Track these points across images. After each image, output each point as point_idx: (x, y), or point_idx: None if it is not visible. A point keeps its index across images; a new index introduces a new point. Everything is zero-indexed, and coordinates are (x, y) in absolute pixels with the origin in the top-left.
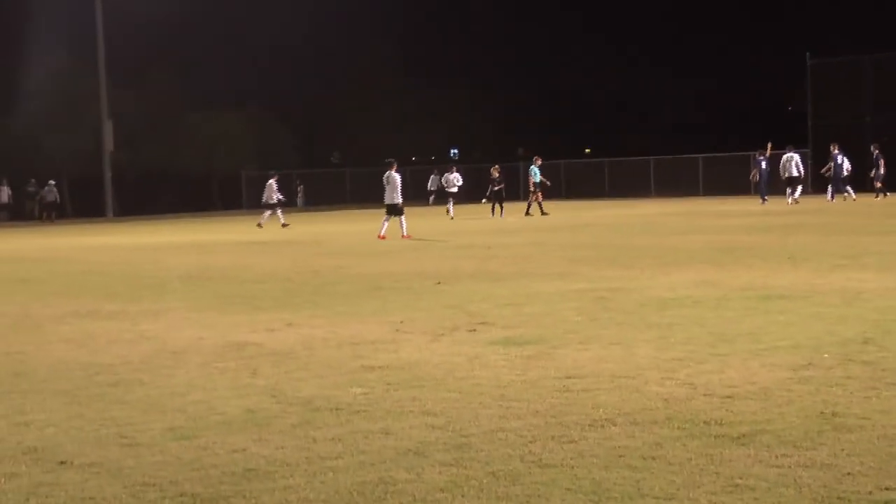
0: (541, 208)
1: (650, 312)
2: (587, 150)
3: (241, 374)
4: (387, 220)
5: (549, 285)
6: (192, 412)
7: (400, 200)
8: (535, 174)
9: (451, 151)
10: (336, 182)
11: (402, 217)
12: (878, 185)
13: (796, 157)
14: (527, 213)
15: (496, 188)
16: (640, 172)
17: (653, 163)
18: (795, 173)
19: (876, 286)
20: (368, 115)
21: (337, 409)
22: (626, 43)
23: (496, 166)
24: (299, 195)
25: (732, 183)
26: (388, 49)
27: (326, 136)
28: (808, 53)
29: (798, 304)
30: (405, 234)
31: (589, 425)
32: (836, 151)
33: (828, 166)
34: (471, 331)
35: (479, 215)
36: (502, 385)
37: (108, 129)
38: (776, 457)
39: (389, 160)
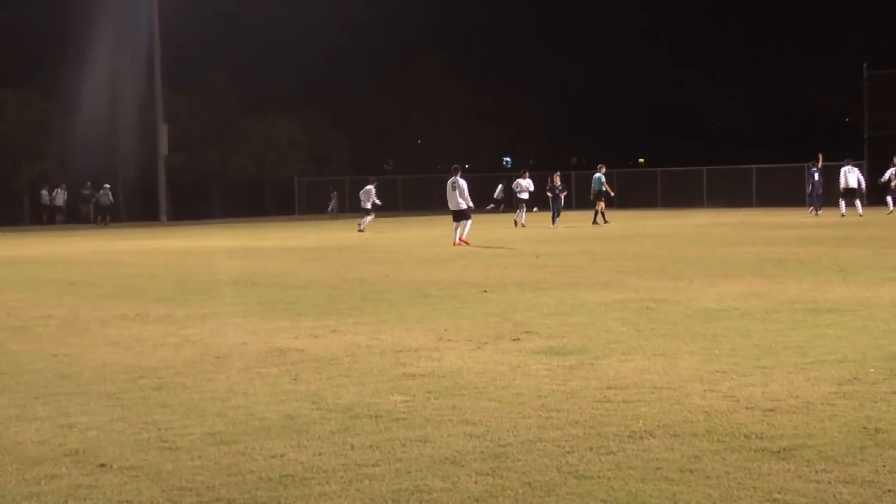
0: (603, 217)
1: (696, 324)
2: (641, 160)
3: (282, 380)
4: (457, 226)
5: (595, 295)
6: (232, 417)
7: (466, 205)
8: (600, 183)
9: (504, 160)
10: (387, 188)
11: (468, 223)
12: None
13: (856, 169)
14: (594, 222)
15: (559, 194)
16: (692, 182)
17: (706, 173)
18: (854, 185)
19: None
20: (422, 122)
21: (376, 417)
22: (682, 52)
23: (558, 173)
24: (332, 203)
25: (786, 194)
26: (444, 57)
27: (378, 143)
28: (865, 65)
29: (846, 317)
30: (459, 240)
31: (628, 437)
32: None
33: (889, 175)
34: (514, 340)
35: (534, 223)
36: (543, 395)
37: (163, 132)
38: (816, 472)
39: (455, 166)
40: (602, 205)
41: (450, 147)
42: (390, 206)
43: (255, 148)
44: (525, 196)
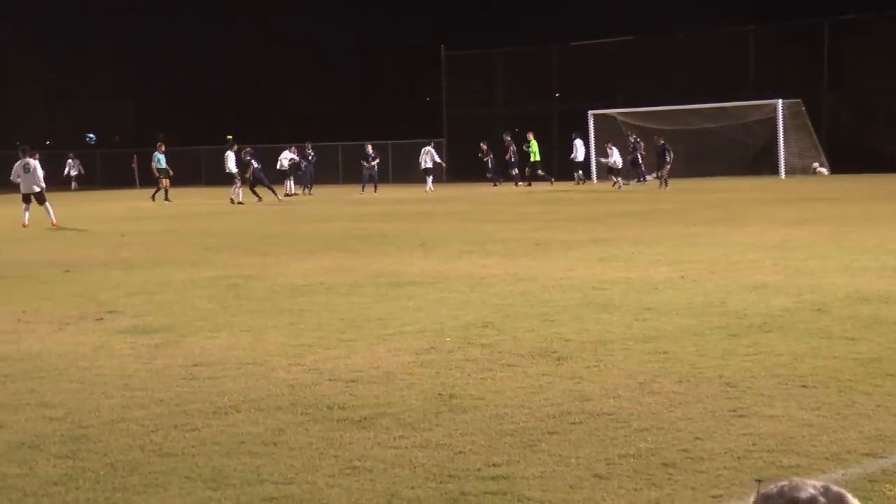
0: (166, 194)
1: (282, 299)
2: (229, 137)
3: None
4: (27, 208)
5: (181, 273)
6: None
7: (42, 187)
8: (160, 160)
9: (88, 136)
10: None
11: (48, 204)
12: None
13: (431, 148)
14: (152, 198)
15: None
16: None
17: (341, 149)
18: (431, 165)
19: (498, 272)
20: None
21: None
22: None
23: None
24: None
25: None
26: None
27: None
28: (442, 46)
29: (426, 289)
30: (55, 221)
31: (213, 413)
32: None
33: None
34: (98, 320)
35: (116, 199)
36: (127, 374)
37: None
38: (394, 438)
39: (24, 146)
40: (166, 182)
41: (27, 124)
42: None
43: None
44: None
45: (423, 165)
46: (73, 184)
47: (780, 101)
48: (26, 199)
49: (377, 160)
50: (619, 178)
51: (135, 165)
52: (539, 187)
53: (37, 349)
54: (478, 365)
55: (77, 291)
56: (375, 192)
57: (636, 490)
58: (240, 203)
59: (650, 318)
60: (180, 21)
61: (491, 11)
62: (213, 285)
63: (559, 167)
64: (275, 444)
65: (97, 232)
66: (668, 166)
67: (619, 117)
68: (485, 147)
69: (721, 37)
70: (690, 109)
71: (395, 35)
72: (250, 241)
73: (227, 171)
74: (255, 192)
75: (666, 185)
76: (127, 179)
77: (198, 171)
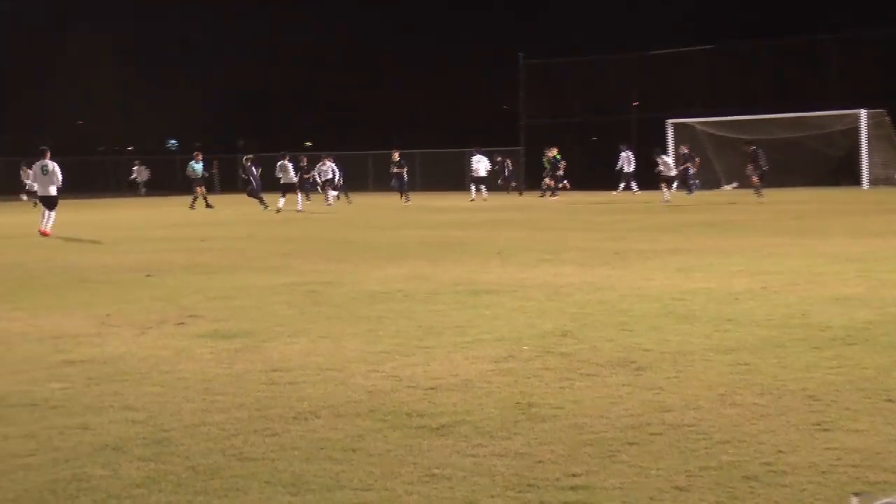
0: (206, 202)
1: (360, 306)
2: (308, 144)
3: None
4: (45, 213)
5: (261, 279)
6: None
7: (55, 192)
8: (196, 169)
9: (170, 142)
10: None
11: (53, 212)
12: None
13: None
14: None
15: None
16: (360, 166)
17: (371, 158)
18: (484, 173)
19: (576, 280)
20: (81, 102)
21: (33, 405)
22: (349, 39)
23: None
24: None
25: (447, 179)
26: (103, 35)
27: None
28: (521, 54)
29: (504, 298)
30: (45, 229)
31: (293, 418)
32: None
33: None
34: (179, 324)
35: (184, 207)
36: (208, 379)
37: None
38: (473, 447)
39: (43, 147)
40: (201, 190)
41: (110, 128)
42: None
43: None
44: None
45: (476, 174)
46: (142, 189)
47: (863, 111)
48: (44, 202)
49: (404, 168)
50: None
51: (215, 171)
52: (619, 197)
53: (120, 352)
54: (556, 374)
55: (158, 296)
56: (401, 199)
57: (718, 503)
58: (278, 210)
59: (731, 329)
60: (261, 28)
61: (570, 19)
62: (291, 291)
63: (641, 177)
64: (354, 450)
65: (177, 237)
66: (762, 171)
67: (698, 126)
68: (550, 155)
69: (803, 45)
70: (770, 119)
71: (473, 43)
72: (328, 248)
73: (286, 181)
74: (261, 200)
75: (760, 193)
76: (207, 185)
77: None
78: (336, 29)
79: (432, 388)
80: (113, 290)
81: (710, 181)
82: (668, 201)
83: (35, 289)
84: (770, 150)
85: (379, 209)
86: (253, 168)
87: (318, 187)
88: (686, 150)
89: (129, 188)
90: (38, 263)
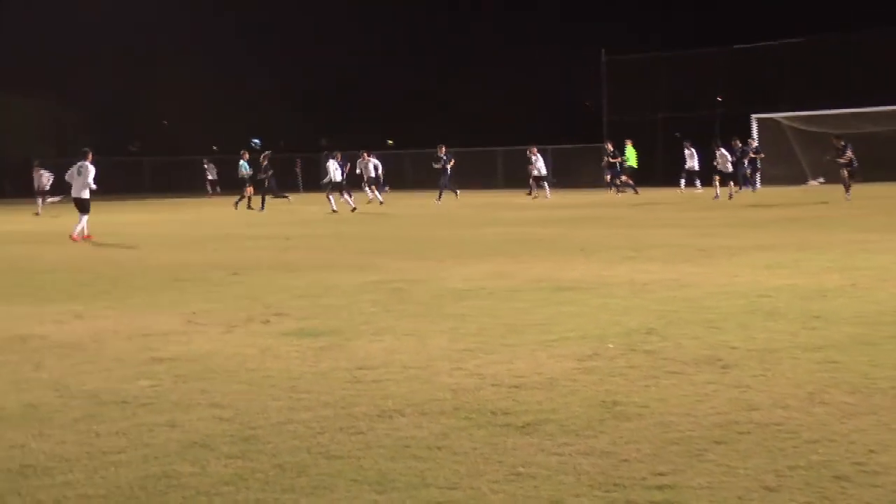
0: (249, 202)
1: (445, 304)
2: (390, 142)
3: (23, 368)
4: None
5: (346, 277)
6: None
7: (88, 195)
8: (246, 167)
9: (253, 142)
10: (132, 171)
11: (86, 217)
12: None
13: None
14: (238, 207)
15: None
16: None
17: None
18: (545, 172)
19: (660, 277)
20: (167, 104)
21: (123, 403)
22: (420, 35)
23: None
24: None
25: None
26: (188, 38)
27: (124, 125)
28: (602, 50)
29: (587, 295)
30: (78, 235)
31: (378, 416)
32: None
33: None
34: (265, 322)
35: (283, 206)
36: (293, 377)
37: None
38: (558, 445)
39: (85, 150)
40: (250, 189)
41: (195, 128)
42: (136, 189)
43: None
44: (373, 175)
45: (537, 173)
46: (216, 188)
47: None
48: (76, 204)
49: (451, 162)
50: (721, 186)
51: (298, 170)
52: (698, 194)
53: (206, 350)
54: (641, 372)
55: (244, 294)
56: (438, 199)
57: None
58: (334, 211)
59: (819, 327)
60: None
61: (652, 14)
62: (376, 289)
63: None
64: (439, 448)
65: (263, 235)
66: (853, 167)
67: (783, 121)
68: (610, 148)
69: (893, 37)
70: (859, 113)
71: (553, 38)
72: (412, 246)
73: (330, 180)
74: (279, 196)
75: (848, 190)
76: (292, 184)
77: (359, 175)
78: (416, 24)
79: (516, 386)
80: (200, 289)
81: (797, 176)
82: (717, 198)
83: (126, 287)
84: (860, 144)
85: (466, 206)
86: (269, 165)
87: (363, 185)
88: (753, 144)
89: (210, 187)
90: (131, 262)
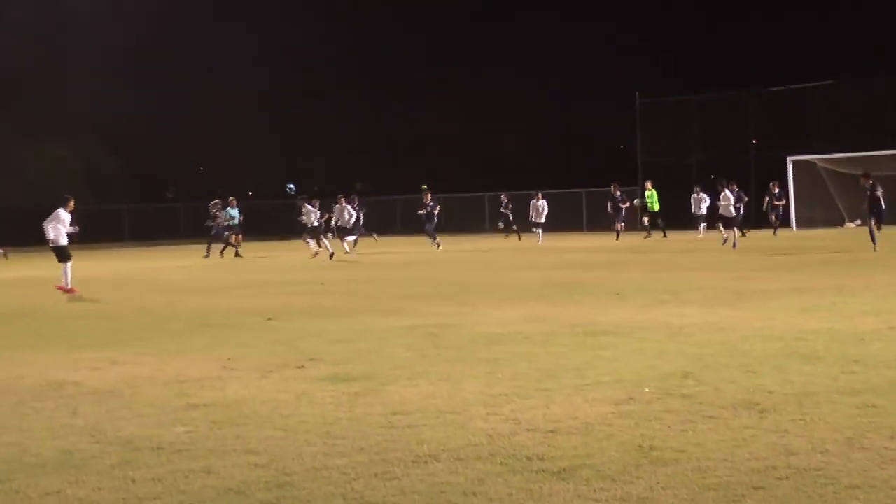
0: (236, 251)
1: (479, 348)
2: (424, 186)
3: (58, 414)
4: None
5: (380, 321)
6: (5, 454)
7: (65, 242)
8: (232, 215)
9: (289, 186)
10: (165, 217)
11: (66, 265)
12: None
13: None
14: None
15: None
16: (475, 208)
17: (487, 199)
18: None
19: (696, 321)
20: (203, 149)
21: (158, 449)
22: (456, 78)
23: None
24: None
25: (565, 219)
26: (223, 79)
27: (158, 170)
28: (637, 93)
29: (623, 339)
30: (67, 286)
31: (413, 462)
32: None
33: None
34: (299, 367)
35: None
36: (328, 422)
37: None
38: (594, 491)
39: (67, 196)
40: (236, 238)
41: (231, 173)
42: (173, 234)
43: (25, 175)
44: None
45: (537, 219)
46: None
47: None
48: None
49: (437, 209)
50: (726, 229)
51: (330, 215)
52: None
53: (241, 396)
54: (678, 416)
55: (279, 339)
56: (431, 243)
57: None
58: (315, 254)
59: (857, 371)
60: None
61: (686, 57)
62: (411, 334)
63: (754, 216)
64: (475, 494)
65: (297, 280)
66: (880, 209)
67: (818, 163)
68: (617, 193)
69: None
70: (895, 154)
71: (588, 81)
72: (447, 290)
73: (343, 224)
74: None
75: (874, 242)
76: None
77: (392, 219)
78: (451, 67)
79: (552, 431)
80: (234, 334)
81: (834, 219)
82: (725, 242)
83: (159, 333)
84: (894, 187)
85: (498, 251)
86: (216, 212)
87: (332, 233)
88: (775, 190)
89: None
90: (162, 308)
